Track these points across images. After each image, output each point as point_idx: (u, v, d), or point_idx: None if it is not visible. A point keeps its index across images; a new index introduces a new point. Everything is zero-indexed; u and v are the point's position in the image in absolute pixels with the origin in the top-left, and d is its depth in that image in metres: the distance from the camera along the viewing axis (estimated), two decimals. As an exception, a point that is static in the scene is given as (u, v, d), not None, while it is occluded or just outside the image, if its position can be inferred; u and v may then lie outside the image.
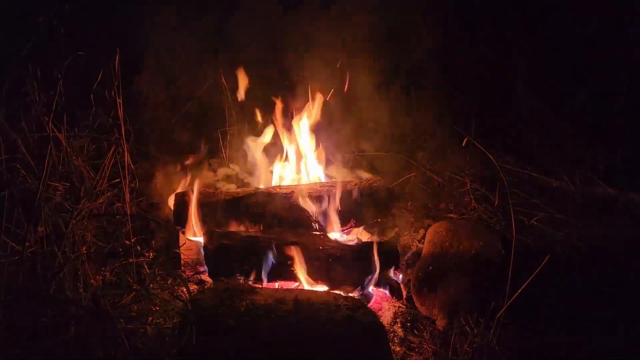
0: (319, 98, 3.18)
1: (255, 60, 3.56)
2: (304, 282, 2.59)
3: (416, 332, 2.45)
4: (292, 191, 2.82)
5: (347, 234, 2.90)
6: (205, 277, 2.71)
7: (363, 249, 2.68)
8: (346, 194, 2.80)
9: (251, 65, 3.38)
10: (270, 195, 2.79)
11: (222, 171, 3.33)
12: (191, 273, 2.78)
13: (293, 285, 2.63)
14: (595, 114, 3.92)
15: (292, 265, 2.59)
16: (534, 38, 4.29)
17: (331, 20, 3.47)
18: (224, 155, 3.47)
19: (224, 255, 2.61)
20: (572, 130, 3.92)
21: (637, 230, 3.01)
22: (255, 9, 3.66)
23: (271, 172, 3.19)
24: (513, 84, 4.28)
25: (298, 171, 3.18)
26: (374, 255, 2.63)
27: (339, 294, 2.30)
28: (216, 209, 2.74)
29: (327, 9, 3.51)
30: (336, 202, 2.77)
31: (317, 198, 2.76)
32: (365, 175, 3.17)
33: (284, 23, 3.55)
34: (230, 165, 3.39)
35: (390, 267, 2.71)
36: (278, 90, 3.22)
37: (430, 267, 2.61)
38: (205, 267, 2.67)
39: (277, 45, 3.49)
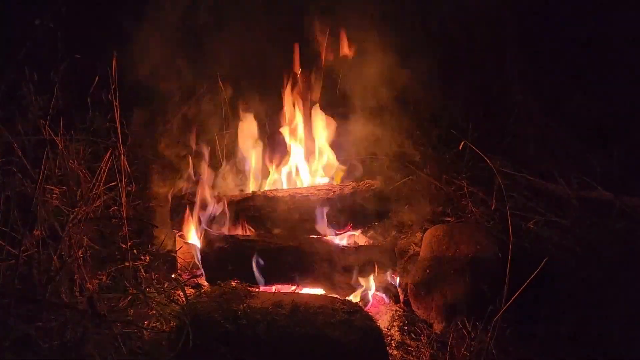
0: (317, 101, 3.19)
1: (255, 60, 3.56)
2: (301, 285, 2.59)
3: (413, 336, 2.45)
4: (290, 195, 2.81)
5: (345, 237, 2.89)
6: (202, 280, 2.70)
7: (360, 252, 2.68)
8: (343, 197, 2.80)
9: (250, 66, 3.37)
10: (267, 198, 2.79)
11: (219, 174, 3.32)
12: (188, 277, 2.77)
13: (290, 288, 2.63)
14: (592, 117, 3.94)
15: (289, 268, 2.59)
16: (531, 40, 4.31)
17: (329, 20, 3.47)
18: (221, 158, 3.46)
19: (221, 258, 2.60)
20: (568, 133, 3.93)
21: (633, 234, 3.02)
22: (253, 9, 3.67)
23: (269, 175, 3.18)
24: (510, 87, 4.29)
25: (296, 175, 3.18)
26: (371, 259, 2.63)
27: (336, 298, 2.29)
28: (213, 213, 2.74)
29: (325, 12, 3.51)
30: (333, 206, 2.76)
31: (314, 202, 2.76)
32: (363, 178, 3.16)
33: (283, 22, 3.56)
34: (227, 168, 3.39)
35: (388, 271, 2.71)
36: (278, 92, 3.21)
37: (428, 271, 2.61)
38: (202, 270, 2.66)
39: (277, 44, 3.49)
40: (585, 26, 4.20)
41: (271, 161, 3.19)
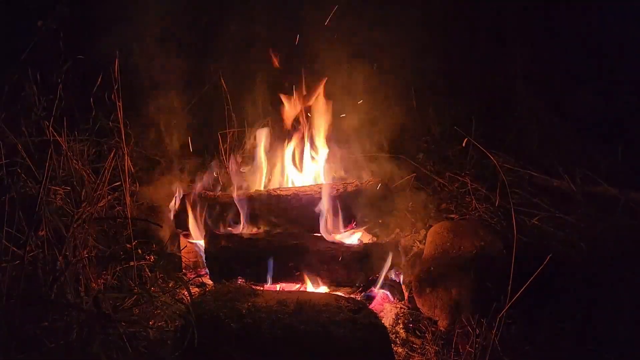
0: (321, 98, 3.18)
1: (256, 59, 3.56)
2: (306, 284, 2.59)
3: (418, 333, 2.45)
4: (293, 193, 2.82)
5: (349, 235, 2.89)
6: (207, 279, 2.71)
7: (364, 250, 2.68)
8: (347, 196, 2.80)
9: (252, 65, 3.37)
10: (271, 197, 2.79)
11: (222, 174, 3.32)
12: (192, 276, 2.78)
13: (294, 287, 2.63)
14: (596, 112, 3.92)
15: (293, 267, 2.59)
16: (535, 37, 4.29)
17: (330, 20, 3.46)
18: (224, 157, 3.47)
19: (225, 257, 2.61)
20: (572, 129, 3.92)
21: (638, 229, 3.00)
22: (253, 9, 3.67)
23: (272, 174, 3.18)
24: (513, 84, 4.28)
25: (299, 173, 3.18)
26: (375, 257, 2.62)
27: (341, 296, 2.29)
28: (217, 212, 2.74)
29: (326, 11, 3.50)
30: (337, 204, 2.76)
31: (318, 200, 2.76)
32: (366, 176, 3.16)
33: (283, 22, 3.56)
34: (231, 168, 3.39)
35: (392, 268, 2.71)
36: (279, 91, 3.21)
37: (432, 268, 2.60)
38: (207, 269, 2.67)
39: (277, 44, 3.48)
40: (590, 20, 4.19)
41: (275, 159, 3.19)
